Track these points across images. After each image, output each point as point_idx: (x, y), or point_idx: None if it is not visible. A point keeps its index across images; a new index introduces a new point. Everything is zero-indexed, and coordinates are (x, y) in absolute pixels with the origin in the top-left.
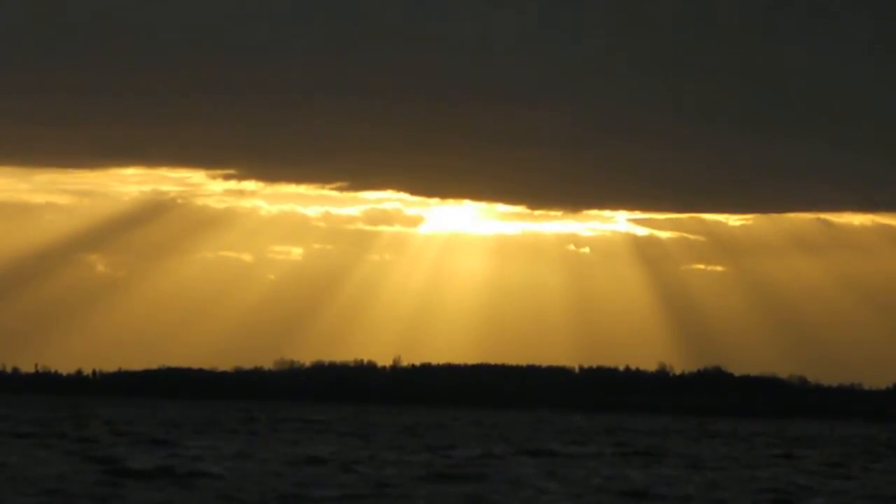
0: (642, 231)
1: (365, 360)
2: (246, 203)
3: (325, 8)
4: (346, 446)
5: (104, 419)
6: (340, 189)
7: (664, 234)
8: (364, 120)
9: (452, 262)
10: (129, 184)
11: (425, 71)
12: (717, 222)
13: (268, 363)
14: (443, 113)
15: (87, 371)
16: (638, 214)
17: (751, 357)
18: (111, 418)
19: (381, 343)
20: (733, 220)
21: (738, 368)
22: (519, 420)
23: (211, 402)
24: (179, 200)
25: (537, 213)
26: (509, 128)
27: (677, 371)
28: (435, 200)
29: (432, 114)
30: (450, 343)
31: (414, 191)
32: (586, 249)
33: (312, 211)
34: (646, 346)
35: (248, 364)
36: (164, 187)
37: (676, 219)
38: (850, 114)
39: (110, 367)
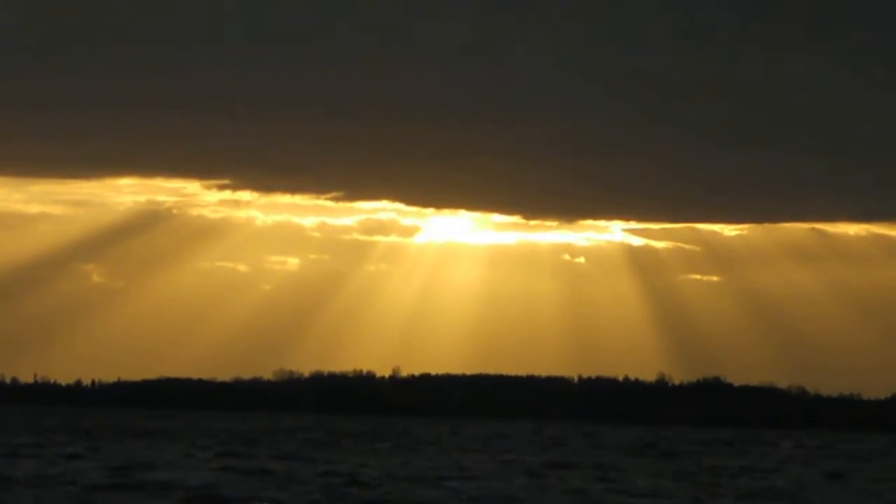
0: (638, 241)
1: (364, 371)
2: (241, 213)
3: (322, 20)
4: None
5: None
6: (335, 199)
7: (659, 244)
8: (360, 130)
9: (448, 273)
10: (124, 194)
11: (423, 83)
12: (713, 232)
13: (267, 373)
14: (438, 124)
15: (87, 381)
16: (633, 224)
17: (750, 367)
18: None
19: (378, 353)
20: (728, 230)
21: (737, 378)
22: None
23: (215, 413)
24: (174, 211)
25: (532, 223)
26: (505, 138)
27: (676, 381)
28: (430, 210)
29: (428, 124)
30: (447, 353)
31: (409, 201)
32: (581, 259)
33: (308, 221)
34: (644, 357)
35: (247, 374)
36: (159, 197)
37: (671, 229)
38: (845, 124)
39: (110, 377)
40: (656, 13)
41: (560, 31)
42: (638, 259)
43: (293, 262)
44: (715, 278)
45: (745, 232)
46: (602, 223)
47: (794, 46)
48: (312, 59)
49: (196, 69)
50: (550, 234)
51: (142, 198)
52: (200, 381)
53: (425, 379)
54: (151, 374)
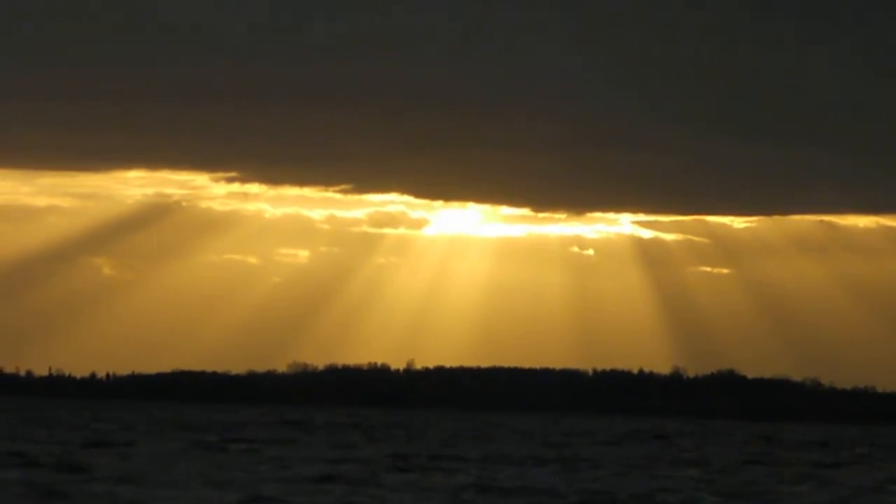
0: (647, 233)
1: (378, 363)
2: (250, 206)
3: (329, 12)
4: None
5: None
6: (344, 192)
7: (669, 237)
8: (368, 123)
9: (458, 265)
10: (133, 187)
11: (430, 75)
12: (722, 224)
13: (281, 366)
14: (447, 116)
15: (101, 374)
16: (642, 217)
17: (763, 360)
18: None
19: (392, 346)
20: (738, 223)
21: (751, 371)
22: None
23: (231, 406)
24: (183, 203)
25: (541, 215)
26: (513, 130)
27: (691, 374)
28: (439, 203)
29: (436, 117)
30: (461, 346)
31: (418, 193)
32: (590, 251)
33: (317, 214)
34: (658, 350)
35: (261, 367)
36: (168, 190)
37: (681, 221)
38: (853, 116)
39: (124, 370)
40: (665, 5)
41: (570, 22)
42: (647, 251)
43: (303, 255)
44: (725, 270)
45: (754, 224)
46: (611, 215)
47: (804, 40)
48: (320, 51)
49: (204, 62)
50: (559, 227)
51: (150, 190)
52: (215, 373)
53: (440, 371)
54: (166, 367)
